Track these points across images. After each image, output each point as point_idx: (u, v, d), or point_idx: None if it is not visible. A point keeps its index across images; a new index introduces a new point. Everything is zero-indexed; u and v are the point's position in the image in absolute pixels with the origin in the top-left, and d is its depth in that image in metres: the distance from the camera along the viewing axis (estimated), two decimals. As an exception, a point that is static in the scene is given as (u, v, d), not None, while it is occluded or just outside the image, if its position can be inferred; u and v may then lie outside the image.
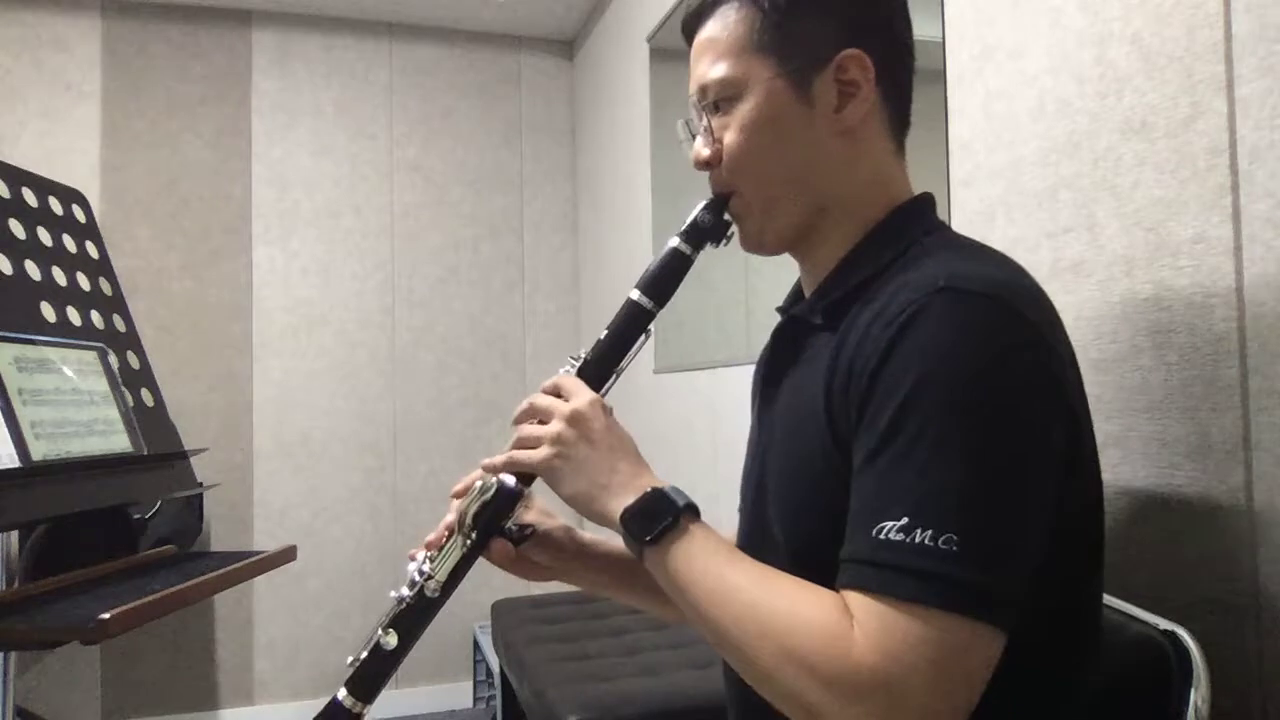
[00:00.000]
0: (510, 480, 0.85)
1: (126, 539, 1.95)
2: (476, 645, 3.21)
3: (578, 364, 0.87)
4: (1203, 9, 0.92)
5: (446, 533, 0.88)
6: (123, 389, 1.90)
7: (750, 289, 2.16)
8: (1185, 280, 0.94)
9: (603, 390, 0.86)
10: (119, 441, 1.82)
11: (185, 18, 3.19)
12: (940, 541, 0.61)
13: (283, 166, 3.29)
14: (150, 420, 2.01)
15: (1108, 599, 0.92)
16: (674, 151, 2.76)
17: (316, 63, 3.34)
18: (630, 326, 0.86)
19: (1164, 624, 0.83)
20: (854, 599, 0.64)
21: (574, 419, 0.80)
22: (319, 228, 3.32)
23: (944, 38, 1.36)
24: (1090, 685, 0.74)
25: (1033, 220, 1.16)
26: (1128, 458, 1.01)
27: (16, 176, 1.99)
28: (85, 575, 1.68)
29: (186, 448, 2.08)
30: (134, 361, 2.09)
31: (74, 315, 1.95)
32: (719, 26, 0.82)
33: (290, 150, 3.30)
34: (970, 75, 1.30)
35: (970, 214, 1.30)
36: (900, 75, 0.83)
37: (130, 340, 2.12)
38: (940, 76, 1.36)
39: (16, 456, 1.53)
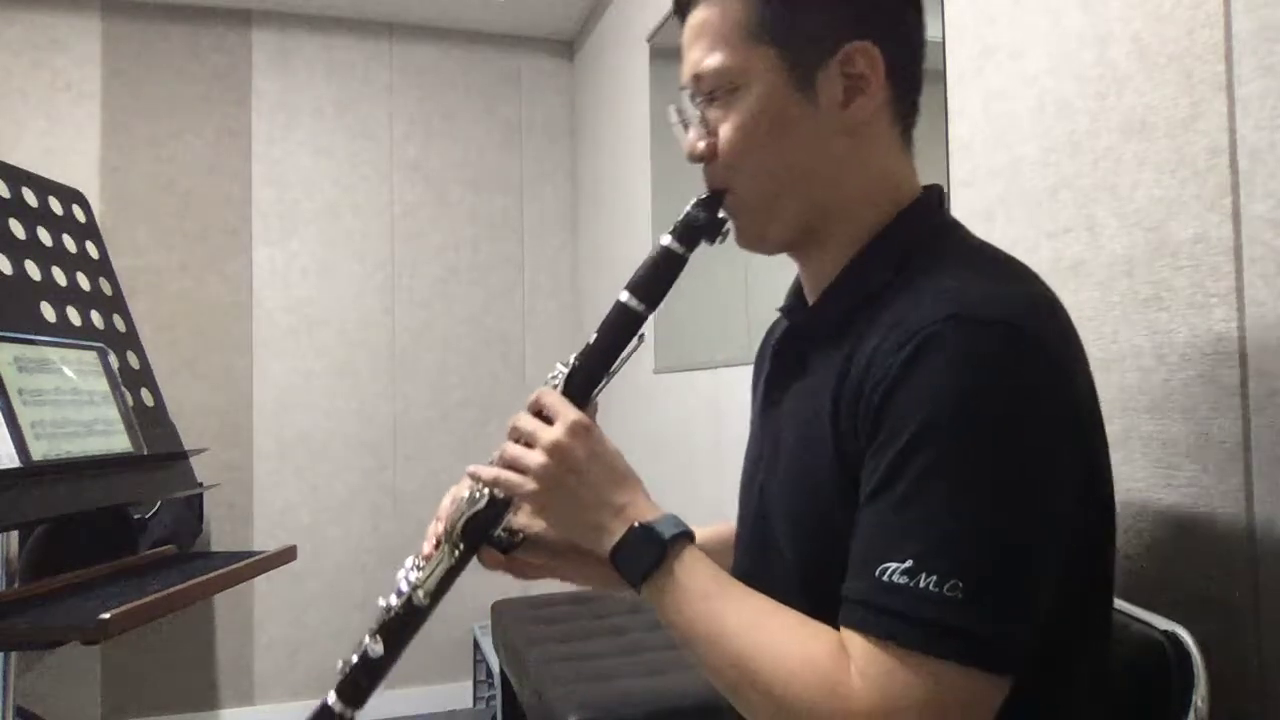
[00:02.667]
0: (500, 491, 0.83)
1: (126, 539, 1.95)
2: (476, 645, 3.21)
3: (567, 370, 0.82)
4: (1203, 9, 0.92)
5: (436, 541, 0.87)
6: (123, 389, 1.89)
7: (750, 289, 2.16)
8: (1185, 280, 0.94)
9: (591, 398, 0.82)
10: (119, 441, 1.82)
11: (185, 18, 3.19)
12: (946, 588, 0.59)
13: (283, 166, 3.29)
14: (150, 420, 2.00)
15: (1108, 599, 0.92)
16: (674, 152, 2.76)
17: (316, 63, 3.34)
18: (619, 331, 0.81)
19: (1164, 624, 0.83)
20: (854, 641, 0.62)
21: (555, 451, 0.76)
22: (319, 228, 3.32)
23: (944, 38, 1.36)
24: (1096, 700, 0.73)
25: (1033, 220, 1.16)
26: (1128, 458, 1.01)
27: (16, 176, 1.99)
28: (85, 575, 1.68)
29: (186, 448, 2.08)
30: (134, 361, 2.09)
31: (74, 315, 1.95)
32: (715, 9, 0.76)
33: (290, 150, 3.30)
34: (970, 75, 1.30)
35: (970, 214, 1.30)
36: (911, 68, 0.79)
37: (130, 340, 2.12)
38: (940, 76, 1.36)
39: (16, 456, 1.53)
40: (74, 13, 3.08)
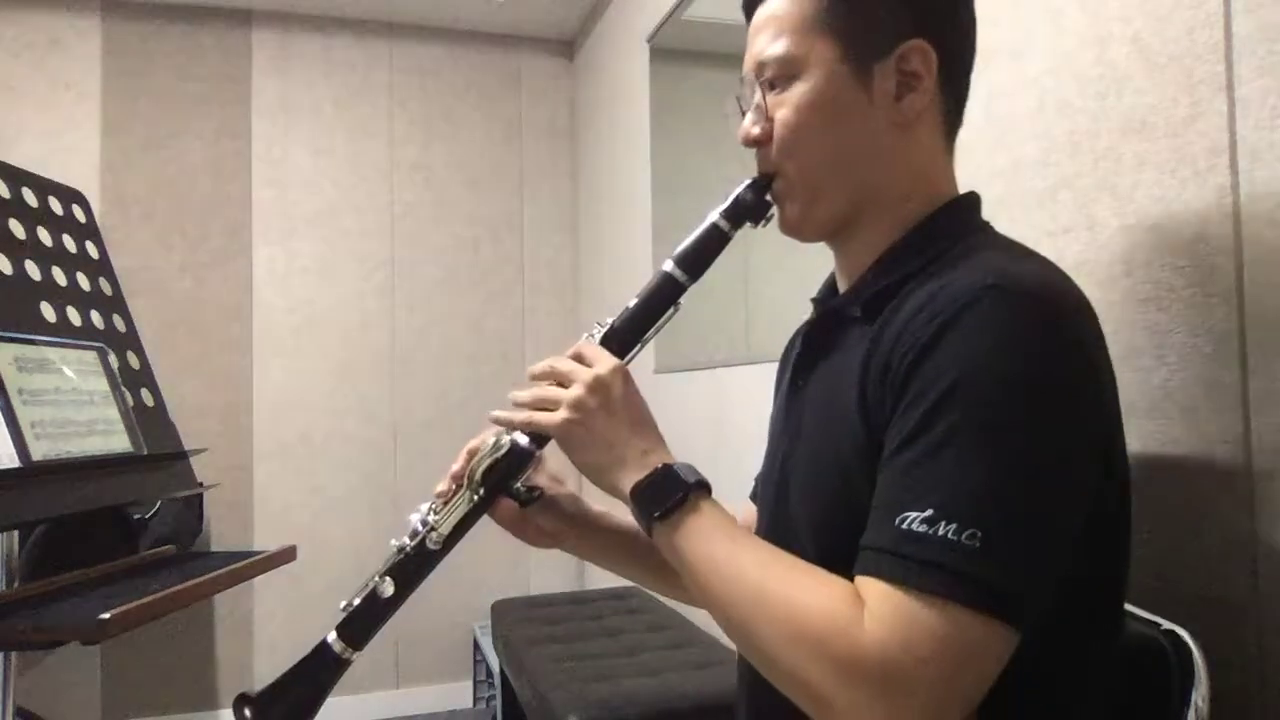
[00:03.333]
0: (524, 440, 0.84)
1: (126, 539, 1.95)
2: (476, 645, 3.21)
3: (603, 329, 0.85)
4: (1203, 9, 0.92)
5: (454, 485, 0.87)
6: (123, 389, 1.90)
7: (750, 290, 2.16)
8: (1185, 280, 0.94)
9: (626, 359, 0.84)
10: (119, 441, 1.82)
11: (185, 18, 3.19)
12: (964, 536, 0.60)
13: (283, 166, 3.29)
14: (150, 420, 2.01)
15: (1108, 599, 0.92)
16: (674, 151, 2.77)
17: (316, 63, 3.34)
18: (661, 297, 0.85)
19: (1164, 624, 0.83)
20: (870, 586, 0.63)
21: (595, 386, 0.79)
22: (319, 228, 3.32)
23: (944, 38, 1.35)
24: (1104, 686, 0.73)
25: (1033, 220, 1.16)
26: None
27: (16, 176, 1.99)
28: (85, 575, 1.68)
29: (186, 448, 2.08)
30: (134, 361, 2.09)
31: (74, 315, 1.95)
32: (784, 2, 0.80)
33: (290, 150, 3.30)
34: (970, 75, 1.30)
35: (970, 214, 1.30)
36: (962, 71, 0.82)
37: (130, 340, 2.12)
38: (940, 76, 1.36)
39: (16, 456, 1.53)
40: (74, 13, 3.08)
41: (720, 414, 2.27)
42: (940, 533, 0.60)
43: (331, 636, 0.84)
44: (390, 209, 3.41)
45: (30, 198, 2.00)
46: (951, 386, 0.63)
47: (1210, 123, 0.91)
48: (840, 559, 0.68)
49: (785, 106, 0.79)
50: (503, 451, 0.85)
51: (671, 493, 0.74)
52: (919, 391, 0.65)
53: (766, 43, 0.80)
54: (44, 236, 1.98)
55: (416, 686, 3.29)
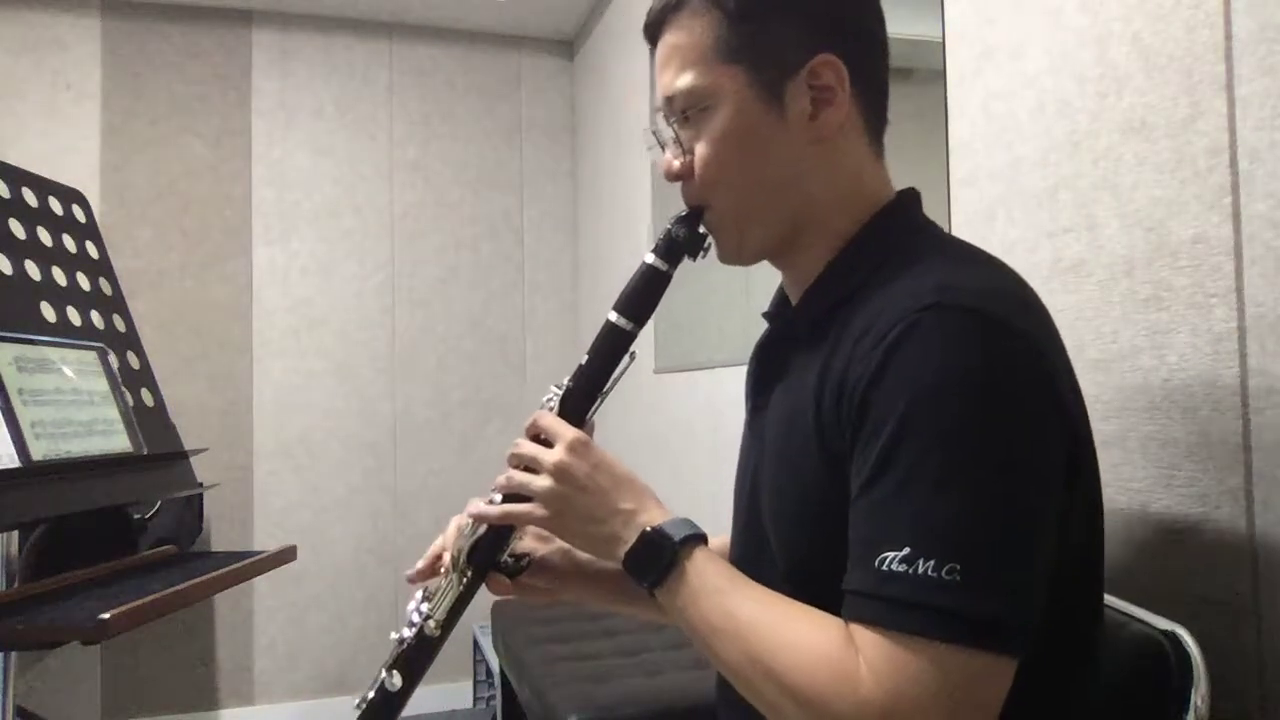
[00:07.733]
0: None
1: (126, 539, 1.95)
2: (476, 645, 3.21)
3: (561, 392, 0.84)
4: (1203, 9, 0.92)
5: (439, 568, 0.88)
6: (123, 389, 1.90)
7: (750, 289, 2.16)
8: (1185, 280, 0.94)
9: (588, 416, 0.84)
10: (119, 441, 1.82)
11: (185, 18, 3.19)
12: (944, 572, 0.59)
13: (283, 166, 3.28)
14: (150, 420, 2.01)
15: (1108, 599, 0.92)
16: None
17: (316, 63, 3.34)
18: (610, 349, 0.84)
19: (1164, 624, 0.83)
20: (859, 633, 0.63)
21: (559, 473, 0.78)
22: (319, 228, 3.32)
23: (944, 38, 1.36)
24: (1090, 694, 0.73)
25: (1033, 220, 1.16)
26: (1128, 458, 1.01)
27: (16, 176, 1.99)
28: (85, 575, 1.68)
29: (186, 448, 2.08)
30: (134, 361, 2.09)
31: (74, 315, 1.95)
32: (683, 33, 0.78)
33: (290, 150, 3.30)
34: (970, 75, 1.30)
35: (970, 214, 1.30)
36: (876, 75, 0.80)
37: (130, 340, 2.12)
38: (940, 76, 1.36)
39: (16, 456, 1.53)
40: (74, 13, 3.08)
41: (720, 414, 2.27)
42: (919, 571, 0.60)
43: None
44: (390, 209, 3.41)
45: (30, 198, 2.00)
46: (904, 419, 0.63)
47: (1210, 123, 0.91)
48: (810, 580, 0.70)
49: (702, 140, 0.79)
50: (482, 531, 0.85)
51: (660, 558, 0.73)
52: (875, 425, 0.64)
53: (673, 76, 0.79)
54: (44, 236, 1.98)
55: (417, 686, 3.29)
